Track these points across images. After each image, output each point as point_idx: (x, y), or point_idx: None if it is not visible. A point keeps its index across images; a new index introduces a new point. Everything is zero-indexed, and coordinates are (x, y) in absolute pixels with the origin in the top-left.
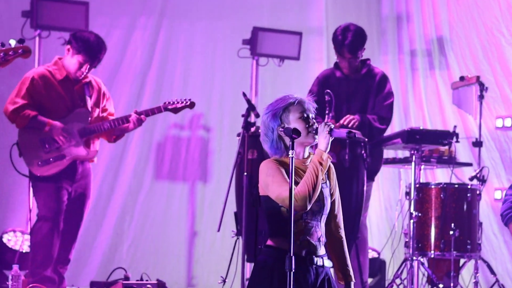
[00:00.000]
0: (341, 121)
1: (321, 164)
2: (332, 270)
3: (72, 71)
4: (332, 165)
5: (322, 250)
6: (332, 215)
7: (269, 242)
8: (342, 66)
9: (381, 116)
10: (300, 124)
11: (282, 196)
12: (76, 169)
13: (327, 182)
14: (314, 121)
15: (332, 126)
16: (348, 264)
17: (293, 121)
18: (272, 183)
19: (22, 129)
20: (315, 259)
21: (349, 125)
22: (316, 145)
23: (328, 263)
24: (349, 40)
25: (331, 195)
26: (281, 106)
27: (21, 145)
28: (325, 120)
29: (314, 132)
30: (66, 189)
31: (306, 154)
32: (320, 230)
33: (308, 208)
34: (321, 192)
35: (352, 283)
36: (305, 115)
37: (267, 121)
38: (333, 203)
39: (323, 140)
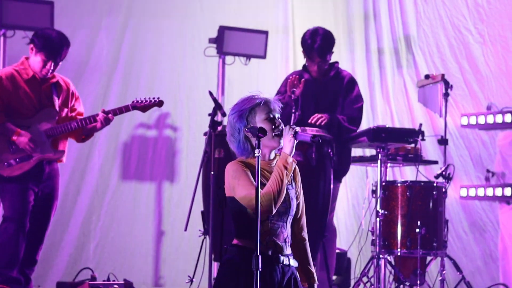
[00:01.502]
0: (310, 120)
1: (286, 168)
2: None
3: (37, 69)
4: (297, 168)
5: (288, 250)
6: (296, 218)
7: (235, 242)
8: (311, 70)
9: (351, 118)
10: (266, 126)
11: (248, 199)
12: (43, 169)
13: (293, 183)
14: (280, 121)
15: (298, 129)
16: (311, 266)
17: (259, 122)
18: (237, 186)
19: None
20: (281, 258)
21: (317, 123)
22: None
23: (294, 262)
24: (318, 44)
25: (297, 197)
26: (247, 107)
27: None
28: (291, 120)
29: (279, 134)
30: (32, 189)
31: (272, 156)
32: (286, 231)
33: (274, 212)
34: (287, 193)
35: (315, 285)
36: (271, 116)
37: (233, 122)
38: (297, 206)
39: (287, 144)
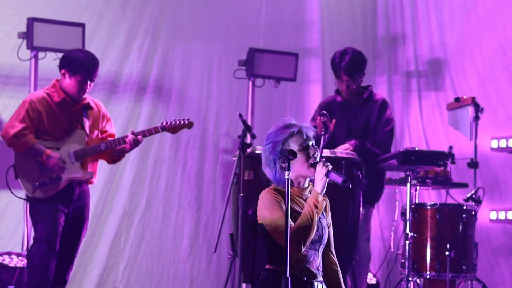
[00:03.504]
0: (338, 153)
1: (316, 207)
2: None
3: (74, 93)
4: (327, 199)
5: (320, 277)
6: (327, 246)
7: (267, 266)
8: (341, 90)
9: (380, 142)
10: (302, 156)
11: (277, 232)
12: (73, 191)
13: (324, 213)
14: (315, 149)
15: (330, 167)
16: None
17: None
18: (269, 217)
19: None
20: (315, 283)
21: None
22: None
23: None
24: (346, 62)
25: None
26: (280, 140)
27: (17, 168)
28: (321, 143)
29: (314, 164)
30: (63, 211)
31: (306, 184)
32: (318, 259)
33: (303, 250)
34: (320, 222)
35: None
36: (305, 145)
37: (268, 153)
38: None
39: (319, 182)
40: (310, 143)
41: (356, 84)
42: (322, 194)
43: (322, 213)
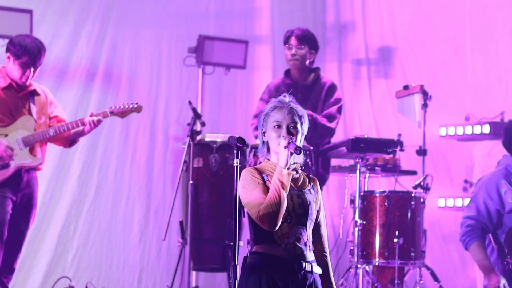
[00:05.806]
0: None
1: (282, 182)
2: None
3: (16, 77)
4: (316, 179)
5: (310, 256)
6: (315, 225)
7: (254, 249)
8: (288, 59)
9: (329, 115)
10: (272, 133)
11: (249, 207)
12: (21, 178)
13: (312, 190)
14: (289, 133)
15: (291, 140)
16: (332, 279)
17: (269, 128)
18: (243, 194)
19: None
20: (304, 264)
21: None
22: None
23: (317, 269)
24: (299, 29)
25: (316, 202)
26: (263, 112)
27: None
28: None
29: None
30: (11, 198)
31: None
32: (306, 235)
33: (277, 227)
34: (304, 197)
35: None
36: (278, 125)
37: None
38: (317, 213)
39: (281, 155)
40: (285, 125)
41: (303, 55)
42: (287, 167)
43: (308, 188)
